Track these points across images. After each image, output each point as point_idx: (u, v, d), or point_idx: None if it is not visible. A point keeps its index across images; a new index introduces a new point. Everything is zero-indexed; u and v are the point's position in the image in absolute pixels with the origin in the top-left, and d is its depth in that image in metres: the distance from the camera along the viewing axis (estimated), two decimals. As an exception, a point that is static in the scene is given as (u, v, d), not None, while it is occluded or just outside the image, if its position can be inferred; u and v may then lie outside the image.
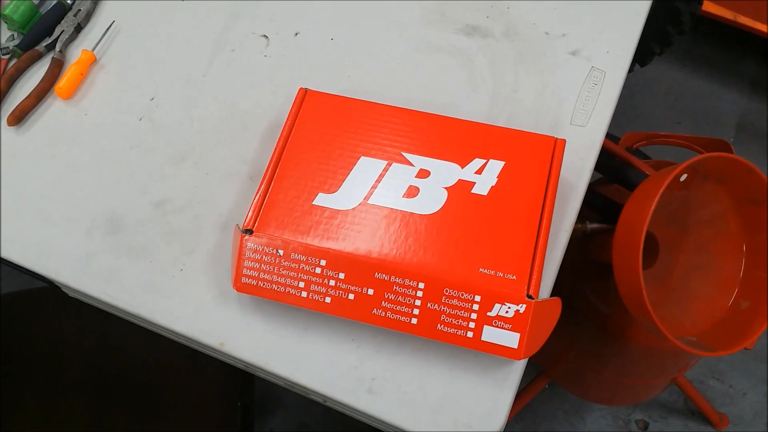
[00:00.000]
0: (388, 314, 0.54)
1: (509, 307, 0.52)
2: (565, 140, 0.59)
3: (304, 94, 0.63)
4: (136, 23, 0.76)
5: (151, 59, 0.73)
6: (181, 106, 0.70)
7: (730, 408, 1.39)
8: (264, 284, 0.56)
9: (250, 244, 0.57)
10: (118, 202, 0.66)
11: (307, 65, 0.72)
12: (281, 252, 0.56)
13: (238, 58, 0.73)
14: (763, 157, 1.62)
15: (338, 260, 0.55)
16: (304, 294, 0.55)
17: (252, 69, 0.72)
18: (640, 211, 0.62)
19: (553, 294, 0.58)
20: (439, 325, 0.53)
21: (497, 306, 0.52)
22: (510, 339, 0.52)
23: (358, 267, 0.55)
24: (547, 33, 0.71)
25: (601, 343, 0.92)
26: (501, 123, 0.67)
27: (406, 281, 0.54)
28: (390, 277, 0.54)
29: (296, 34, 0.73)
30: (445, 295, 0.53)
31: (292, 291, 0.56)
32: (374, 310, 0.54)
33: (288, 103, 0.64)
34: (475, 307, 0.52)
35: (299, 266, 0.56)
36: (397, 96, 0.68)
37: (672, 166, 0.64)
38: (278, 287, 0.56)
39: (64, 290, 0.69)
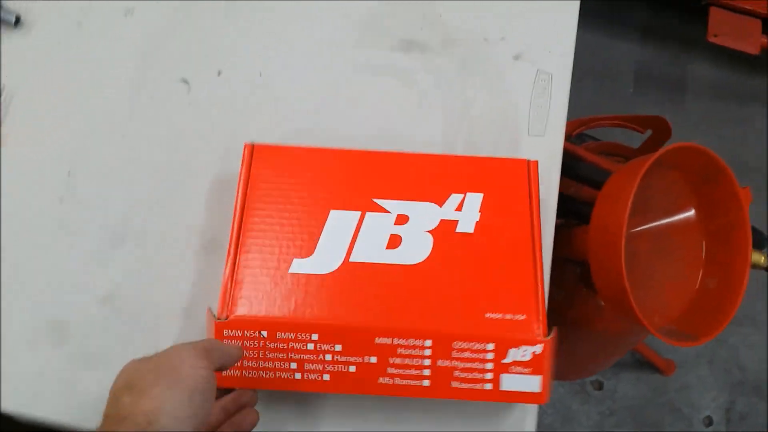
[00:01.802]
0: (397, 380, 0.52)
1: (525, 350, 0.51)
2: (537, 161, 0.59)
3: (252, 149, 0.59)
4: (31, 86, 0.67)
5: (59, 126, 0.65)
6: (104, 176, 0.64)
7: (674, 354, 1.49)
8: (250, 373, 0.52)
9: (227, 332, 0.52)
10: (59, 306, 0.59)
11: (238, 108, 0.67)
12: (265, 333, 0.52)
13: (159, 110, 0.66)
14: (665, 103, 1.72)
15: (332, 331, 0.52)
16: (298, 375, 0.52)
17: (177, 121, 0.66)
18: (616, 212, 0.63)
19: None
20: (453, 382, 0.52)
21: (512, 351, 0.51)
22: (531, 383, 0.51)
23: (355, 335, 0.52)
24: (485, 39, 0.70)
25: (567, 333, 0.94)
26: (459, 145, 0.65)
27: (411, 341, 0.52)
28: (393, 340, 0.52)
29: (219, 74, 0.68)
30: (455, 348, 0.52)
31: (284, 374, 0.52)
32: (380, 379, 0.52)
33: (227, 156, 0.60)
34: (489, 356, 0.51)
35: (288, 345, 0.52)
36: (345, 130, 0.65)
37: (638, 161, 0.65)
38: (267, 373, 0.52)
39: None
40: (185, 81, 0.67)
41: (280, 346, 0.52)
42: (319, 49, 0.69)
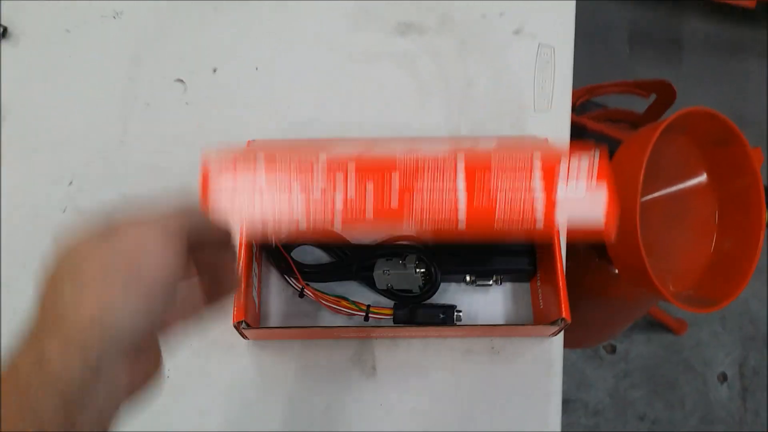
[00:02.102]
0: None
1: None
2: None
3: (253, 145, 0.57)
4: (25, 97, 0.65)
5: (55, 137, 0.64)
6: (106, 185, 0.62)
7: (685, 313, 1.49)
8: None
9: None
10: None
11: (237, 103, 0.65)
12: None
13: (156, 113, 0.65)
14: (661, 61, 1.70)
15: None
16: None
17: (175, 122, 0.65)
18: (629, 183, 0.63)
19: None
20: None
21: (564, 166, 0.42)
22: (593, 205, 0.42)
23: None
24: (483, 15, 0.68)
25: (581, 302, 0.94)
26: (464, 126, 0.64)
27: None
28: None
29: (214, 71, 0.66)
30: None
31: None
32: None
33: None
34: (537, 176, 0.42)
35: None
36: (348, 119, 0.64)
37: (647, 129, 0.64)
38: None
39: None
40: (181, 80, 0.66)
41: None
42: (315, 39, 0.67)
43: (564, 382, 0.57)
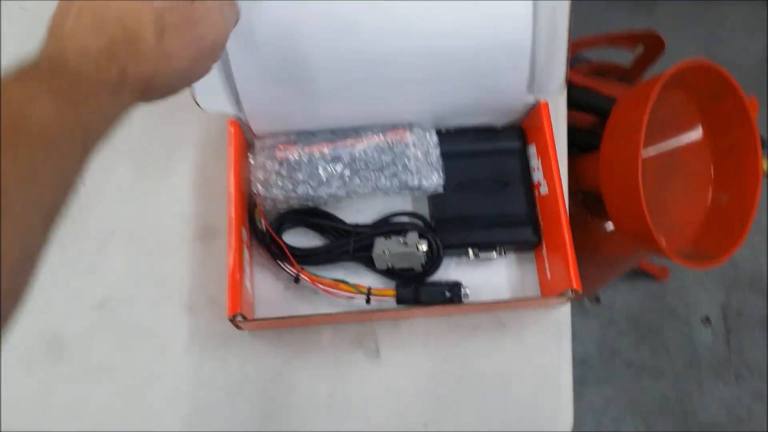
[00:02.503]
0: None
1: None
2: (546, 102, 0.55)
3: (236, 126, 0.53)
4: None
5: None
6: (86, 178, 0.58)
7: (665, 260, 1.50)
8: None
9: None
10: (51, 317, 0.55)
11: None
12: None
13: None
14: (635, 7, 1.66)
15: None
16: None
17: (156, 108, 0.60)
18: (629, 144, 0.60)
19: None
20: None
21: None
22: None
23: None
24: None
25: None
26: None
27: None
28: None
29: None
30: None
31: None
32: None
33: (210, 138, 0.55)
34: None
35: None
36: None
37: (644, 86, 0.62)
38: None
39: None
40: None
41: None
42: None
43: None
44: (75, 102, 0.30)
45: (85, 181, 0.52)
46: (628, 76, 0.90)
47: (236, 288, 0.48)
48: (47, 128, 0.28)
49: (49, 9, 0.34)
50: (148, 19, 0.33)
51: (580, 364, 1.39)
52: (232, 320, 0.48)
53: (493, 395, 0.54)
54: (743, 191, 0.69)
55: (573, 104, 0.82)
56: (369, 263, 0.54)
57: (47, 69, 0.31)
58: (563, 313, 0.56)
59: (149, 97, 0.35)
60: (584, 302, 1.50)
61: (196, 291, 0.56)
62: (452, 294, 0.52)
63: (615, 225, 0.69)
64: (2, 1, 0.62)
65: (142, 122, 0.60)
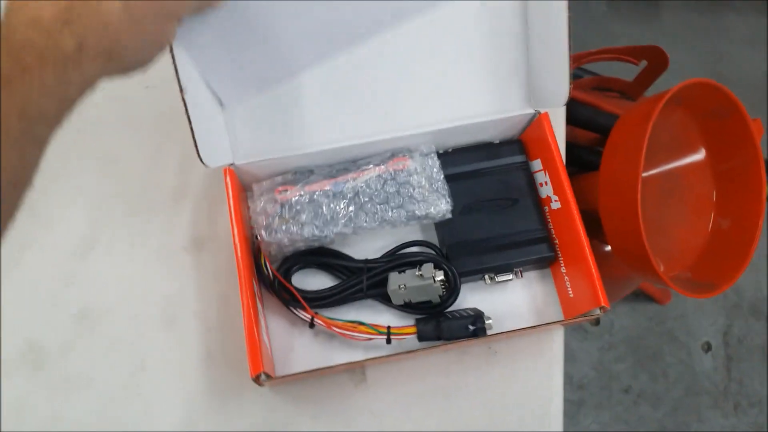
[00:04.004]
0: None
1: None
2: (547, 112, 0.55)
3: (233, 174, 0.51)
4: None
5: None
6: (63, 182, 0.58)
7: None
8: None
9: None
10: (30, 327, 0.54)
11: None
12: None
13: (112, 98, 0.60)
14: (639, 18, 1.68)
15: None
16: None
17: (134, 109, 0.60)
18: (629, 164, 0.60)
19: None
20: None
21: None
22: None
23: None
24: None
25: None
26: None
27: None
28: None
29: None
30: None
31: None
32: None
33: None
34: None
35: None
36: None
37: (646, 104, 0.62)
38: None
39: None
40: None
41: None
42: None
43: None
44: (10, 80, 0.27)
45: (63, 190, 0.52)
46: (631, 91, 0.90)
47: (255, 346, 0.46)
48: None
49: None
50: None
51: (577, 388, 1.39)
52: (256, 380, 0.46)
53: (480, 423, 0.54)
54: (745, 217, 0.69)
55: (574, 120, 0.82)
56: (384, 299, 0.54)
57: None
58: (556, 341, 0.56)
59: (113, 70, 0.32)
60: (583, 324, 1.50)
61: (180, 304, 0.55)
62: (476, 328, 0.51)
63: (612, 248, 0.69)
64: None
65: (124, 130, 0.60)
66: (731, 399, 1.38)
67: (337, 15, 0.49)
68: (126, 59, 0.32)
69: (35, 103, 0.29)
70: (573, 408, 1.37)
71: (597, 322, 1.49)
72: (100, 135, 0.60)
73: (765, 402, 1.38)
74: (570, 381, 1.40)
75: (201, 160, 0.46)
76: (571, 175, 0.79)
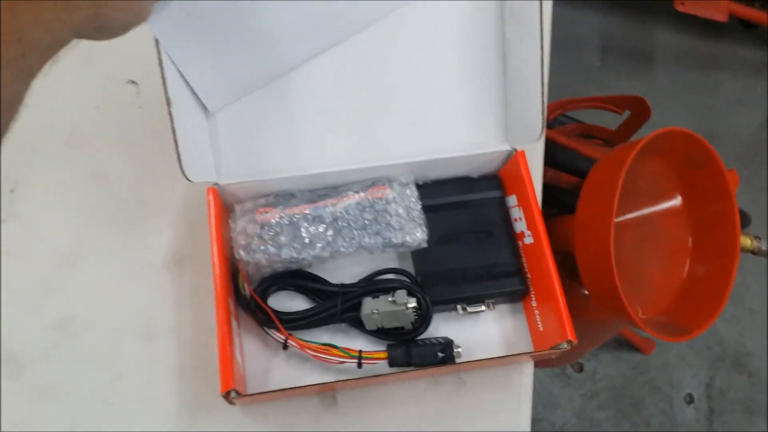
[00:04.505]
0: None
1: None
2: (523, 151, 0.57)
3: (215, 194, 0.53)
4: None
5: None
6: (51, 195, 0.60)
7: (648, 334, 1.51)
8: None
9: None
10: (8, 335, 0.55)
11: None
12: None
13: (106, 117, 0.62)
14: (631, 74, 1.72)
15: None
16: None
17: (127, 128, 0.62)
18: (602, 209, 0.62)
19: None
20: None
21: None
22: None
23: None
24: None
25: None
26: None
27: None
28: None
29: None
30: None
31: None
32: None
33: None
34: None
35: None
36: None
37: (622, 150, 0.64)
38: None
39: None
40: (133, 82, 0.63)
41: None
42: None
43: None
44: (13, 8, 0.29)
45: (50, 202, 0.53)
46: (614, 139, 0.92)
47: (227, 363, 0.47)
48: None
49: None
50: None
51: (557, 434, 1.38)
52: (226, 397, 0.47)
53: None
54: (720, 264, 0.70)
55: (555, 163, 0.84)
56: (358, 324, 0.54)
57: None
58: (526, 374, 0.57)
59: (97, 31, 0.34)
60: (566, 369, 1.50)
61: (158, 320, 0.56)
62: (445, 355, 0.52)
63: (587, 289, 0.70)
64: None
65: (115, 148, 0.61)
66: (712, 452, 1.37)
67: (322, 11, 0.51)
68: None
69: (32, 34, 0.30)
70: (554, 454, 1.36)
71: (581, 368, 1.49)
72: (92, 152, 0.61)
73: (746, 457, 1.37)
74: (552, 427, 1.39)
75: (184, 174, 0.48)
76: (553, 217, 0.81)
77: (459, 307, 0.55)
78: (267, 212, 0.54)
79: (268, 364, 0.54)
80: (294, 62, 0.53)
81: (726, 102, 1.72)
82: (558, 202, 0.84)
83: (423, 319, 0.53)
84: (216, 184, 0.53)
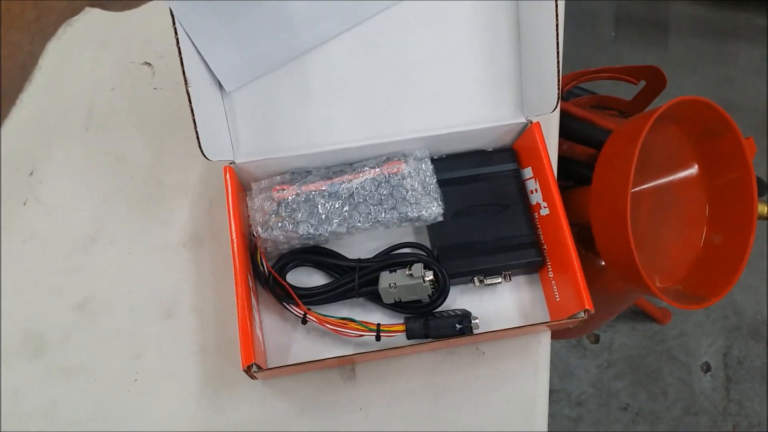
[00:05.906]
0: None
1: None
2: (539, 122, 0.56)
3: (232, 172, 0.53)
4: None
5: (13, 121, 0.61)
6: (70, 177, 0.60)
7: (666, 303, 1.49)
8: None
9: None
10: (30, 316, 0.56)
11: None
12: None
13: (122, 99, 0.62)
14: (647, 45, 1.69)
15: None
16: None
17: (142, 109, 0.62)
18: (619, 178, 0.61)
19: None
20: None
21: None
22: None
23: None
24: None
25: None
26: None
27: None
28: None
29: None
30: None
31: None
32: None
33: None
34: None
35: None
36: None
37: (638, 120, 0.63)
38: None
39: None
40: (148, 63, 0.63)
41: None
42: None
43: (547, 371, 0.56)
44: None
45: (68, 184, 0.53)
46: (629, 110, 0.91)
47: (248, 338, 0.47)
48: None
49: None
50: None
51: (575, 404, 1.38)
52: (247, 371, 0.47)
53: (466, 422, 0.54)
54: (737, 234, 0.69)
55: (571, 135, 0.83)
56: (375, 298, 0.54)
57: None
58: (543, 343, 0.56)
59: None
60: (583, 340, 1.50)
61: (177, 298, 0.56)
62: (462, 326, 0.52)
63: (604, 260, 0.70)
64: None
65: (131, 129, 0.61)
66: (730, 420, 1.36)
67: None
68: None
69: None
70: (571, 424, 1.36)
71: (597, 339, 1.48)
72: (109, 133, 0.61)
73: (765, 424, 1.36)
74: (568, 398, 1.39)
75: (203, 153, 0.47)
76: (569, 189, 0.80)
77: (476, 279, 0.55)
78: (283, 189, 0.53)
79: (288, 339, 0.55)
80: (311, 43, 0.53)
81: (743, 72, 1.68)
82: (573, 174, 0.83)
83: (440, 291, 0.53)
84: (233, 162, 0.52)
